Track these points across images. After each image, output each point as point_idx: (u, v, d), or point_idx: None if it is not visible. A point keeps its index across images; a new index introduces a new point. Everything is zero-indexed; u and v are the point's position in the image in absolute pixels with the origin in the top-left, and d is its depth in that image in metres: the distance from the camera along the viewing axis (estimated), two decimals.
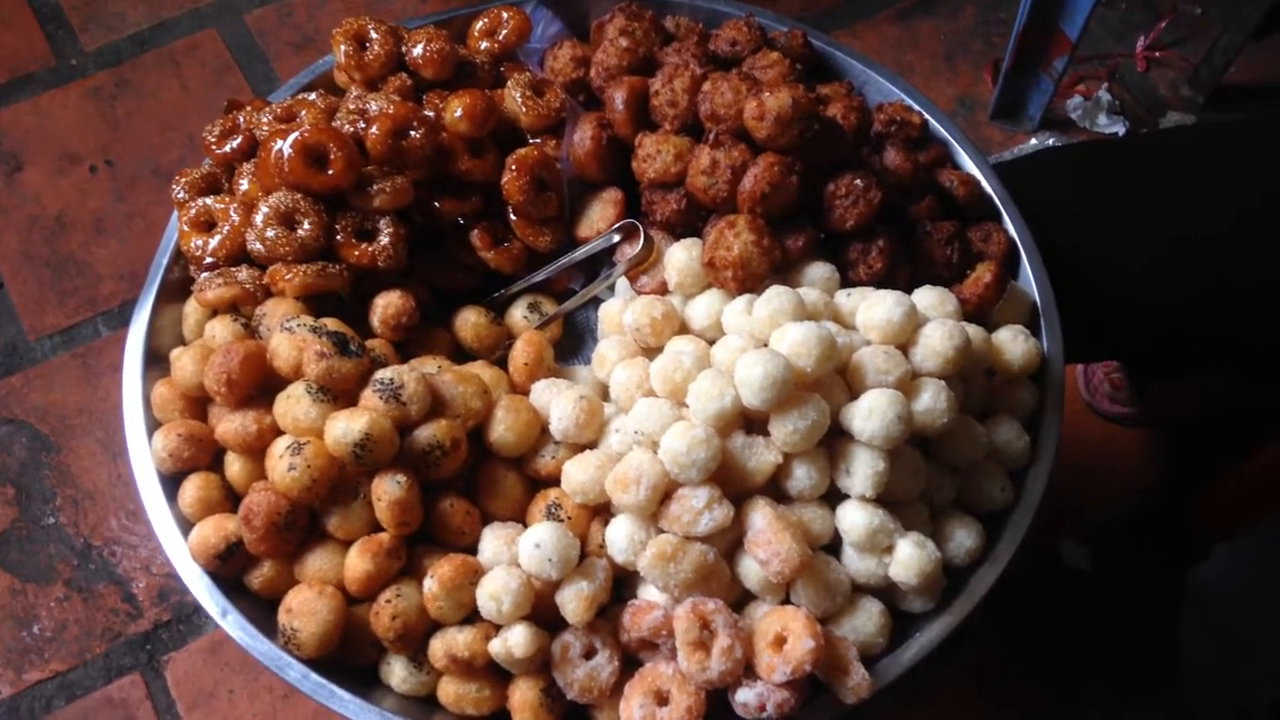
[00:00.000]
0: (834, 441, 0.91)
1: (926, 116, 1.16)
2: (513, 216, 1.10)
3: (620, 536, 0.88)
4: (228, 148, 1.08)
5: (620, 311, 1.03)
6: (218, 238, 1.03)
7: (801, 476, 0.89)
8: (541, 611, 0.88)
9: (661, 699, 0.85)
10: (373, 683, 0.92)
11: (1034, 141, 2.13)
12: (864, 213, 1.01)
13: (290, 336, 0.93)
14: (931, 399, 0.90)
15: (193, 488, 0.95)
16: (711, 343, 0.98)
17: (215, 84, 2.17)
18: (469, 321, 1.06)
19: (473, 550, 0.92)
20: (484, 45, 1.20)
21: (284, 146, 0.98)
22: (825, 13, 2.27)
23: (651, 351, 1.01)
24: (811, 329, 0.87)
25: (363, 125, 1.03)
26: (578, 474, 0.91)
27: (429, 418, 0.91)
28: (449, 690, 0.89)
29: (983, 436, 0.96)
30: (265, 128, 1.07)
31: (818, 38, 1.22)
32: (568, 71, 1.17)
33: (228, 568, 0.92)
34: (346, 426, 0.86)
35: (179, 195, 1.09)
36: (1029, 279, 1.08)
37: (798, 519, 0.89)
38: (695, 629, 0.83)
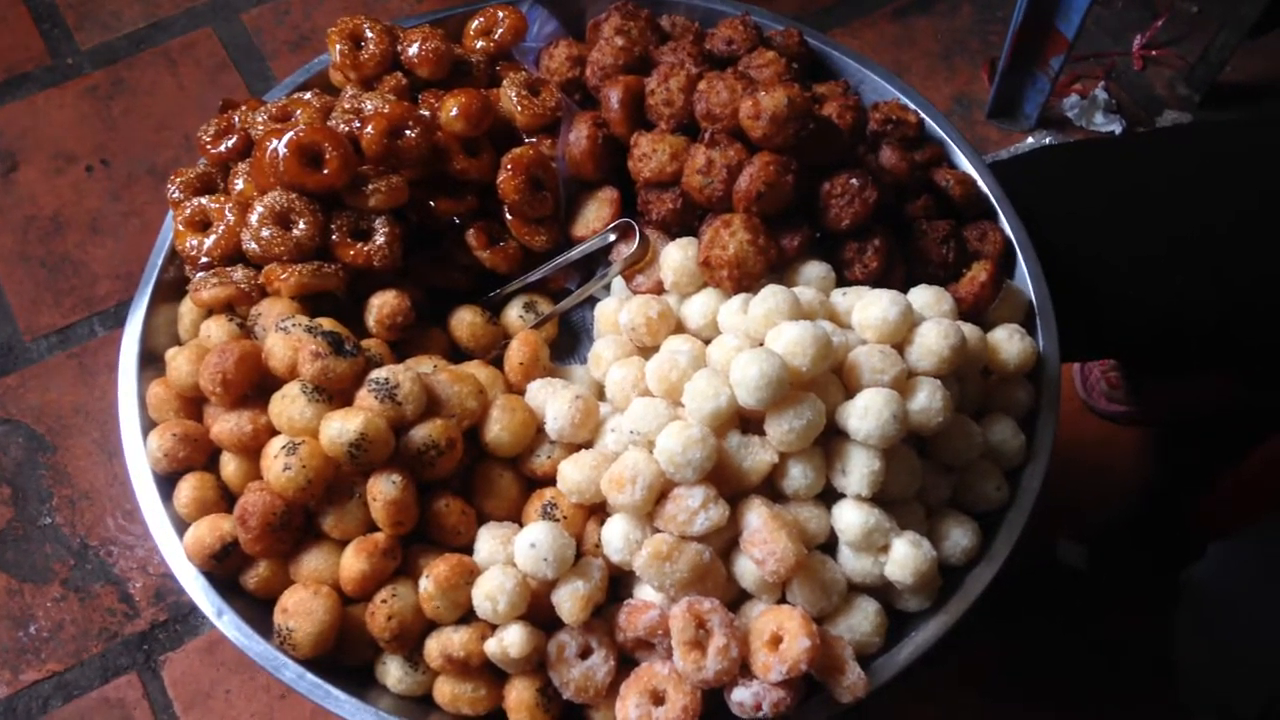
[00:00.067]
0: (830, 441, 0.91)
1: (923, 115, 1.16)
2: (508, 216, 1.09)
3: (616, 536, 0.88)
4: (223, 147, 1.08)
5: (616, 311, 1.03)
6: (213, 237, 1.03)
7: (797, 476, 0.89)
8: (537, 611, 0.88)
9: (657, 698, 0.85)
10: (369, 683, 0.92)
11: (1030, 140, 2.13)
12: (860, 212, 1.01)
13: (285, 336, 0.93)
14: (927, 398, 0.90)
15: (188, 488, 0.95)
16: (707, 342, 0.98)
17: (211, 83, 2.16)
18: (464, 321, 1.06)
19: (468, 550, 0.92)
20: (479, 44, 1.20)
21: (279, 146, 0.98)
22: (822, 11, 2.27)
23: (647, 351, 1.01)
24: (807, 328, 0.87)
25: (358, 124, 1.03)
26: (573, 473, 0.91)
27: (424, 417, 0.91)
28: (445, 690, 0.89)
29: (978, 436, 0.96)
30: (260, 127, 1.07)
31: (814, 36, 1.22)
32: (563, 70, 1.17)
33: (223, 568, 0.92)
34: (342, 426, 0.86)
35: (174, 195, 1.09)
36: (1025, 278, 1.08)
37: (793, 518, 0.89)
38: (691, 628, 0.83)
